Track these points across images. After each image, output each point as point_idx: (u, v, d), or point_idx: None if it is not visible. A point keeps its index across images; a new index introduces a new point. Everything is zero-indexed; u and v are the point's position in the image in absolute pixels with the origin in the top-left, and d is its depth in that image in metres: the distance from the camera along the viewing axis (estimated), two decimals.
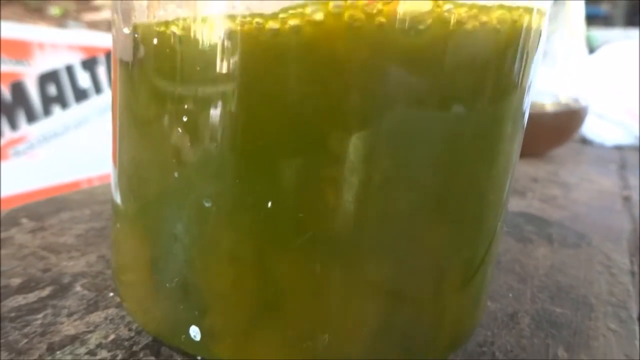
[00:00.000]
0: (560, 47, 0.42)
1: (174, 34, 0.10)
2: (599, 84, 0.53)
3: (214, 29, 0.09)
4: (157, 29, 0.10)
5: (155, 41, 0.10)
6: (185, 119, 0.10)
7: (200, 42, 0.09)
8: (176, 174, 0.10)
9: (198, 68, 0.10)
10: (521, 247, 0.23)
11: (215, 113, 0.10)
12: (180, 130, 0.10)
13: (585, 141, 0.57)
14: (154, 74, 0.10)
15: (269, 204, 0.10)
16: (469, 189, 0.11)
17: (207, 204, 0.10)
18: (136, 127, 0.11)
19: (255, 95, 0.10)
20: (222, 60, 0.09)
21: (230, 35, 0.09)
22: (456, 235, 0.12)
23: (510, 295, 0.18)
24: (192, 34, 0.09)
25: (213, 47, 0.09)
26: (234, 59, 0.09)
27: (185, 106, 0.10)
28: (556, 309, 0.17)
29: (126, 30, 0.11)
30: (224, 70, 0.09)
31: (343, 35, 0.09)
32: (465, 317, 0.13)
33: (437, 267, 0.11)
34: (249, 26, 0.09)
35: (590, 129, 0.55)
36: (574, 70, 0.43)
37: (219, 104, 0.10)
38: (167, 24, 0.10)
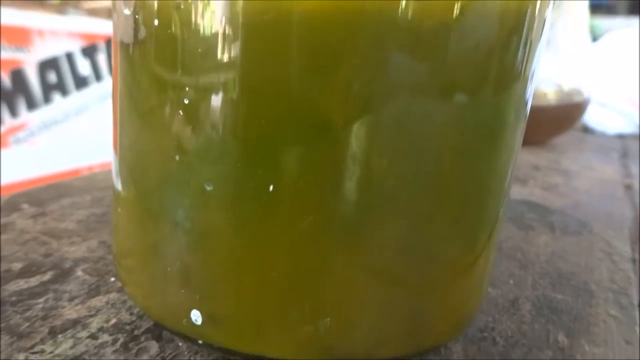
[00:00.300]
0: (564, 35, 0.42)
1: (176, 13, 0.09)
2: (601, 73, 0.53)
3: (216, 7, 0.09)
4: (159, 8, 0.10)
5: (156, 22, 0.10)
6: (186, 101, 0.10)
7: (203, 21, 0.09)
8: (177, 157, 0.10)
9: (200, 49, 0.09)
10: (523, 235, 0.23)
11: (217, 96, 0.10)
12: (182, 113, 0.10)
13: (586, 130, 0.57)
14: (155, 55, 0.10)
15: (270, 188, 0.10)
16: (471, 176, 0.11)
17: (208, 188, 0.10)
18: (137, 110, 0.11)
19: (258, 78, 0.09)
20: (224, 41, 0.09)
21: (233, 15, 0.09)
22: (458, 221, 0.12)
23: (512, 281, 0.18)
24: (194, 13, 0.09)
25: (215, 27, 0.09)
26: (237, 40, 0.09)
27: (187, 88, 0.10)
28: (557, 296, 0.17)
29: (127, 11, 0.10)
30: (226, 51, 0.09)
31: (345, 20, 0.09)
32: (467, 302, 0.13)
33: (439, 252, 0.11)
34: (252, 6, 0.09)
35: (592, 117, 0.55)
36: (577, 58, 0.43)
37: (221, 86, 0.10)
38: (168, 3, 0.09)
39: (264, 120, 0.10)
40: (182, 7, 0.09)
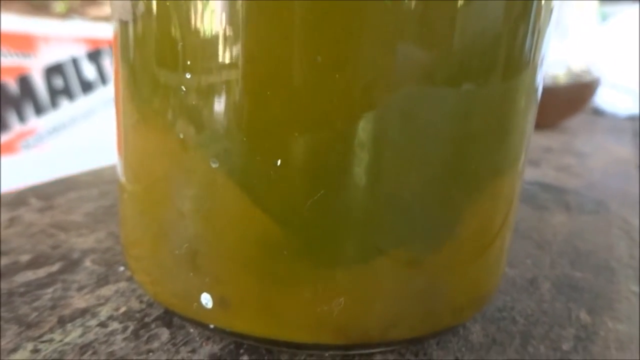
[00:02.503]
0: (572, 16, 0.41)
1: None
2: (611, 54, 0.52)
3: None
4: None
5: None
6: (188, 75, 0.10)
7: None
8: (181, 135, 0.10)
9: (200, 22, 0.09)
10: (538, 215, 0.22)
11: (218, 68, 0.09)
12: (184, 89, 0.10)
13: (597, 112, 0.56)
14: (156, 29, 0.10)
15: (278, 162, 0.09)
16: (485, 161, 0.11)
17: (214, 165, 0.10)
18: (139, 89, 0.11)
19: (262, 56, 0.09)
20: (226, 11, 0.09)
21: None
22: (474, 203, 0.11)
23: (529, 261, 0.18)
24: None
25: (218, 3, 0.09)
26: (240, 12, 0.09)
27: (189, 62, 0.09)
28: (576, 274, 0.17)
29: None
30: (230, 28, 0.09)
31: (350, 10, 0.09)
32: (484, 282, 0.13)
33: (454, 232, 0.11)
34: None
35: (603, 99, 0.54)
36: (586, 39, 0.42)
37: (225, 62, 0.09)
38: None
39: (269, 98, 0.09)
40: None
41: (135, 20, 0.10)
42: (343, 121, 0.09)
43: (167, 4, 0.09)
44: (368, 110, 0.09)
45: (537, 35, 0.11)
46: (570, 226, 0.21)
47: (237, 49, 0.09)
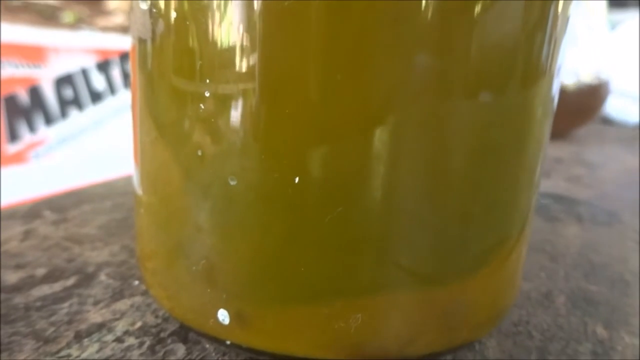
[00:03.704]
0: (582, 25, 0.41)
1: (194, 3, 0.09)
2: (621, 62, 0.52)
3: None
4: (176, 1, 0.09)
5: (174, 14, 0.10)
6: (207, 94, 0.10)
7: (223, 9, 0.09)
8: (199, 152, 0.10)
9: (220, 39, 0.09)
10: (550, 227, 0.22)
11: (236, 87, 0.09)
12: (203, 106, 0.10)
13: (606, 121, 0.56)
14: (175, 47, 0.10)
15: (297, 180, 0.09)
16: (501, 172, 0.11)
17: (232, 182, 0.10)
18: (157, 106, 0.11)
19: (280, 70, 0.09)
20: (244, 29, 0.09)
21: (251, 3, 0.09)
22: (490, 216, 0.11)
23: (543, 274, 0.18)
24: (212, 5, 0.09)
25: (235, 15, 0.09)
26: (257, 27, 0.09)
27: (208, 80, 0.10)
28: (591, 287, 0.17)
29: (144, 6, 0.10)
30: (248, 39, 0.09)
31: (367, 21, 0.09)
32: (500, 296, 0.13)
33: (471, 246, 0.11)
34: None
35: (612, 107, 0.54)
36: (595, 48, 0.42)
37: (243, 78, 0.09)
38: None
39: (288, 113, 0.09)
40: None
41: (154, 38, 0.11)
42: (361, 136, 0.09)
43: (187, 23, 0.10)
44: (386, 124, 0.09)
45: (554, 44, 0.11)
46: (583, 238, 0.21)
47: (255, 68, 0.09)
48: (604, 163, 0.37)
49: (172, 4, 0.10)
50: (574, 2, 0.11)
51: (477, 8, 0.09)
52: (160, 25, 0.10)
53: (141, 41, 0.11)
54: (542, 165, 0.13)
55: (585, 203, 0.26)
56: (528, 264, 0.18)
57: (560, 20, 0.11)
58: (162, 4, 0.10)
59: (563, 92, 0.40)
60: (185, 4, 0.09)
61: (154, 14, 0.10)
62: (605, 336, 0.14)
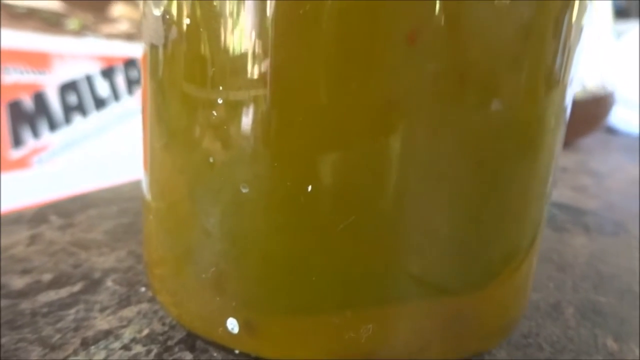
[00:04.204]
0: (587, 34, 0.41)
1: (209, 9, 0.09)
2: (626, 72, 0.52)
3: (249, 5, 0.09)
4: (191, 5, 0.09)
5: (187, 20, 0.10)
6: (220, 100, 0.10)
7: (236, 16, 0.09)
8: (211, 159, 0.10)
9: (234, 46, 0.09)
10: (558, 237, 0.22)
11: (249, 94, 0.09)
12: (216, 113, 0.10)
13: (611, 130, 0.56)
14: (187, 54, 0.10)
15: (309, 189, 0.09)
16: (513, 183, 0.11)
17: (243, 190, 0.10)
18: (168, 111, 0.11)
19: (292, 77, 0.09)
20: (258, 35, 0.09)
21: (264, 8, 0.09)
22: (502, 226, 0.11)
23: (551, 284, 0.17)
24: (226, 9, 0.09)
25: (249, 20, 0.09)
26: (271, 33, 0.09)
27: (221, 87, 0.10)
28: (600, 298, 0.17)
29: (157, 12, 0.10)
30: (261, 46, 0.09)
31: (379, 30, 0.09)
32: (511, 307, 0.13)
33: (482, 257, 0.11)
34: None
35: (617, 117, 0.54)
36: (601, 57, 0.42)
37: (256, 84, 0.09)
38: (199, 3, 0.09)
39: (300, 120, 0.09)
40: (214, 4, 0.09)
41: (166, 45, 0.11)
42: (373, 144, 0.09)
43: (200, 29, 0.10)
44: (398, 132, 0.09)
45: (568, 54, 0.11)
46: (590, 248, 0.21)
47: (267, 75, 0.09)
48: (610, 173, 0.36)
49: (186, 11, 0.10)
50: (587, 11, 0.11)
51: (490, 17, 0.09)
52: (173, 31, 0.10)
53: (153, 47, 0.11)
54: (554, 176, 0.13)
55: (592, 213, 0.26)
56: (536, 274, 0.18)
57: (575, 30, 0.11)
58: (175, 11, 0.10)
59: None
60: (199, 10, 0.09)
61: (167, 20, 0.10)
62: (616, 348, 0.14)
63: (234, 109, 0.10)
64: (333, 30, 0.09)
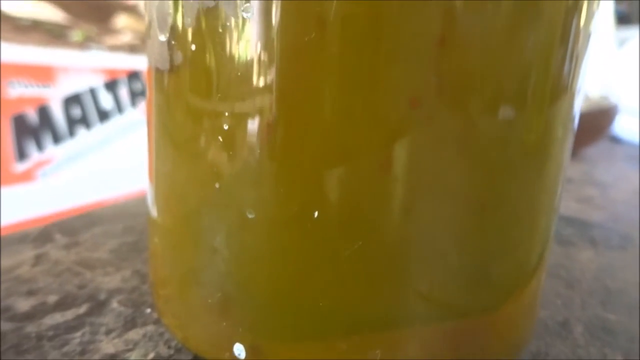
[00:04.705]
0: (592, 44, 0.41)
1: (213, 37, 0.09)
2: (629, 80, 0.52)
3: (253, 31, 0.09)
4: (196, 33, 0.09)
5: (193, 47, 0.10)
6: (225, 127, 0.10)
7: (241, 45, 0.09)
8: (217, 185, 0.10)
9: (238, 73, 0.09)
10: (564, 251, 0.22)
11: (255, 121, 0.09)
12: (220, 139, 0.10)
13: (615, 140, 0.56)
14: (192, 81, 0.10)
15: (316, 214, 0.09)
16: (522, 196, 0.11)
17: (250, 216, 0.10)
18: (173, 137, 0.11)
19: (297, 101, 0.09)
20: (262, 64, 0.09)
21: (269, 38, 0.09)
22: (510, 242, 0.11)
23: (559, 301, 0.17)
24: (231, 37, 0.09)
25: (253, 51, 0.09)
26: (275, 63, 0.09)
27: (225, 113, 0.10)
28: (609, 316, 0.17)
29: (162, 38, 0.10)
30: (265, 75, 0.09)
31: (385, 41, 0.09)
32: (520, 326, 0.12)
33: (491, 275, 0.11)
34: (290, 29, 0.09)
35: (621, 126, 0.54)
36: (603, 66, 0.42)
37: (260, 111, 0.09)
38: (206, 27, 0.09)
39: (306, 144, 0.09)
40: (219, 31, 0.09)
41: (171, 69, 0.11)
42: (379, 166, 0.09)
43: (206, 55, 0.10)
44: (405, 150, 0.09)
45: (575, 61, 0.11)
46: (598, 262, 0.21)
47: (272, 102, 0.09)
48: (615, 183, 0.36)
49: (191, 37, 0.10)
50: (595, 17, 0.11)
51: (496, 25, 0.09)
52: (179, 56, 0.10)
53: (158, 71, 0.11)
54: (562, 188, 0.12)
55: (598, 226, 0.26)
56: (544, 291, 0.18)
57: (582, 36, 0.11)
58: (181, 37, 0.10)
59: None
60: (205, 37, 0.09)
61: (173, 46, 0.10)
62: None
63: (240, 132, 0.10)
64: (338, 61, 0.09)
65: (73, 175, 0.89)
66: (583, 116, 0.40)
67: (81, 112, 0.91)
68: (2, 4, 0.88)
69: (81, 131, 0.91)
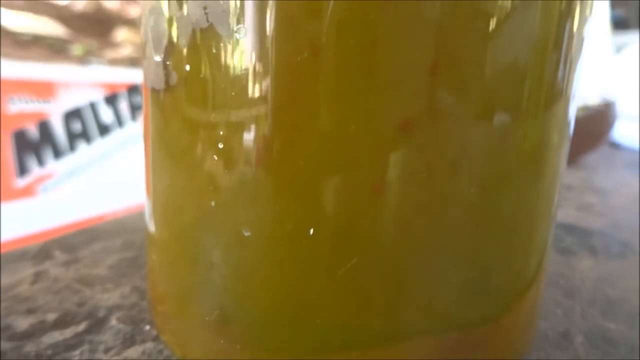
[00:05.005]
0: (586, 49, 0.41)
1: (207, 57, 0.09)
2: (628, 86, 0.52)
3: (247, 48, 0.09)
4: (190, 53, 0.10)
5: (187, 67, 0.10)
6: (220, 145, 0.10)
7: (235, 63, 0.09)
8: (213, 203, 0.10)
9: (233, 91, 0.09)
10: (564, 260, 0.22)
11: (251, 137, 0.09)
12: (216, 157, 0.10)
13: (614, 146, 0.56)
14: (187, 100, 0.10)
15: (311, 231, 0.09)
16: (518, 204, 0.11)
17: (246, 234, 0.10)
18: (169, 154, 0.11)
19: (292, 116, 0.09)
20: (257, 81, 0.09)
21: (264, 55, 0.09)
22: (507, 251, 0.11)
23: (559, 311, 0.17)
24: (225, 56, 0.09)
25: (247, 68, 0.09)
26: (269, 79, 0.09)
27: (220, 132, 0.10)
28: (610, 325, 0.16)
29: (158, 58, 0.10)
30: (260, 91, 0.09)
31: (375, 53, 0.09)
32: (520, 336, 0.12)
33: (489, 286, 0.11)
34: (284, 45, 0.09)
35: (619, 132, 0.54)
36: (601, 72, 0.42)
37: (255, 127, 0.09)
38: (199, 47, 0.09)
39: (301, 162, 0.09)
40: (213, 52, 0.09)
41: (167, 89, 0.11)
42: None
43: (201, 76, 0.10)
44: (399, 160, 0.09)
45: (569, 66, 0.11)
46: (598, 271, 0.21)
47: (267, 120, 0.09)
48: (615, 189, 0.36)
49: (186, 58, 0.10)
50: (588, 23, 0.11)
51: (490, 30, 0.09)
52: (174, 77, 0.10)
53: (154, 91, 0.11)
54: (559, 195, 0.12)
55: (598, 233, 0.26)
56: (544, 300, 0.18)
57: (576, 41, 0.11)
58: (176, 57, 0.10)
59: None
60: (200, 57, 0.10)
61: (168, 66, 0.10)
62: None
63: (235, 150, 0.10)
64: (329, 83, 0.09)
65: (74, 189, 0.90)
66: (582, 123, 0.40)
67: (81, 126, 0.92)
68: (2, 19, 0.89)
69: (82, 145, 0.92)
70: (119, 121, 0.98)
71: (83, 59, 1.00)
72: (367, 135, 0.09)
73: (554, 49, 0.10)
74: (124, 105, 0.99)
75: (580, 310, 0.17)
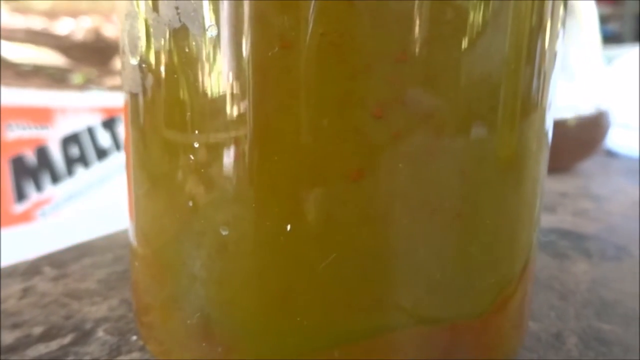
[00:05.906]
0: (578, 60, 0.42)
1: (182, 56, 0.09)
2: (621, 94, 0.52)
3: (224, 46, 0.09)
4: (165, 54, 0.10)
5: (162, 68, 0.10)
6: (196, 144, 0.10)
7: (210, 62, 0.09)
8: (190, 203, 0.10)
9: (208, 91, 0.09)
10: (558, 263, 0.22)
11: (229, 139, 0.10)
12: (193, 157, 0.10)
13: (610, 154, 0.56)
14: (165, 100, 0.10)
15: (288, 227, 0.09)
16: (500, 209, 0.11)
17: (224, 232, 0.10)
18: (148, 157, 0.11)
19: (266, 112, 0.09)
20: (233, 78, 0.09)
21: (240, 54, 0.09)
22: (490, 255, 0.11)
23: (553, 313, 0.17)
24: (199, 56, 0.09)
25: (224, 66, 0.09)
26: (247, 76, 0.09)
27: (197, 131, 0.10)
28: (604, 326, 0.16)
29: (134, 62, 0.10)
30: (237, 88, 0.09)
31: (351, 69, 0.09)
32: (506, 339, 0.12)
33: (472, 287, 0.11)
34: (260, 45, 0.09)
35: (615, 140, 0.54)
36: (593, 82, 0.43)
37: (233, 127, 0.09)
38: (173, 48, 0.10)
39: (278, 161, 0.09)
40: (187, 51, 0.09)
41: (144, 92, 0.11)
42: (350, 180, 0.09)
43: (176, 76, 0.10)
44: (377, 165, 0.09)
45: (543, 78, 0.11)
46: (592, 274, 0.21)
47: (246, 117, 0.09)
48: (610, 196, 0.36)
49: (161, 59, 0.10)
50: (560, 38, 0.11)
51: (463, 45, 0.09)
52: (150, 79, 0.10)
53: (132, 95, 0.11)
54: (541, 201, 0.13)
55: (593, 237, 0.26)
56: (537, 303, 0.18)
57: (548, 56, 0.11)
58: (151, 59, 0.10)
59: (564, 126, 0.40)
60: (174, 57, 0.10)
61: (144, 68, 0.10)
62: None
63: (212, 152, 0.10)
64: (302, 76, 0.09)
65: (73, 213, 0.90)
66: (576, 130, 0.40)
67: (79, 151, 0.92)
68: (2, 50, 0.90)
69: (80, 170, 0.92)
70: (117, 145, 0.98)
71: (83, 87, 1.01)
72: (343, 125, 0.09)
73: (527, 62, 0.10)
74: (121, 129, 0.99)
75: (574, 312, 0.17)
